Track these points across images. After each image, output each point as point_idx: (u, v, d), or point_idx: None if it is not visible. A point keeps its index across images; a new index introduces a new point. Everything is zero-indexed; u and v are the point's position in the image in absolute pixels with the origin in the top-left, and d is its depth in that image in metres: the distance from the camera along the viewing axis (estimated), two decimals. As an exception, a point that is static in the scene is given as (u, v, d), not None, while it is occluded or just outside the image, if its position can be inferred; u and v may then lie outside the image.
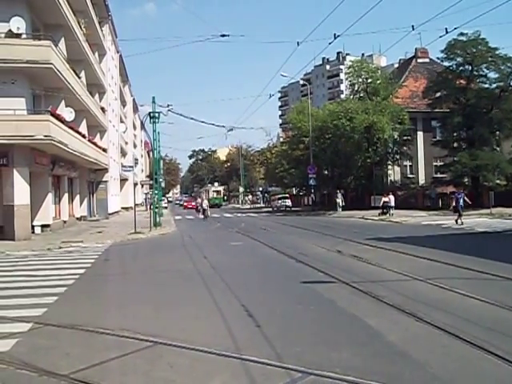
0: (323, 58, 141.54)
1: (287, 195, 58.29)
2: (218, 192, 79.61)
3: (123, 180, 53.90)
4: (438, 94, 39.25)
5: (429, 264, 12.28)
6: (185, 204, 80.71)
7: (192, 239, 22.25)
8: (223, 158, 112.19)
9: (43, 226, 25.42)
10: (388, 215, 32.37)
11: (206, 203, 42.61)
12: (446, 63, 39.37)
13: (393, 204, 33.59)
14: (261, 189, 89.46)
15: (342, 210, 38.95)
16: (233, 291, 9.55)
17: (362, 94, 44.67)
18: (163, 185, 45.21)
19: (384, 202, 33.87)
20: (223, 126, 61.77)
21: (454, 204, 25.37)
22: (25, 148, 22.31)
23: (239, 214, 47.04)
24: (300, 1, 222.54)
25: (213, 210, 61.59)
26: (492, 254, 13.19)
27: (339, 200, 39.82)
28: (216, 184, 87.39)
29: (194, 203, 67.39)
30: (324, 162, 45.66)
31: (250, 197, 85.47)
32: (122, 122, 56.08)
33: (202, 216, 40.37)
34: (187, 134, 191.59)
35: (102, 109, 39.25)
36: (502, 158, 36.67)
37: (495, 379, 5.04)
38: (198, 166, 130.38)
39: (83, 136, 31.01)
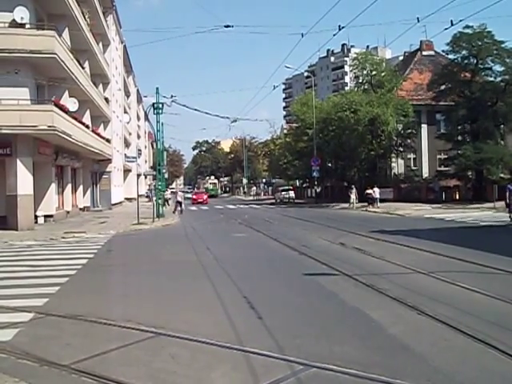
0: (328, 50, 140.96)
1: (291, 187, 58.15)
2: (214, 184, 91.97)
3: (127, 171, 53.94)
4: (443, 87, 38.98)
5: (431, 257, 12.25)
6: (194, 197, 59.00)
7: (195, 230, 22.25)
8: (227, 149, 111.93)
9: (46, 217, 25.46)
10: (371, 206, 32.98)
11: (180, 196, 37.70)
12: (451, 56, 39.14)
13: (378, 196, 34.14)
14: (264, 180, 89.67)
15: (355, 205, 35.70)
16: (235, 283, 9.55)
17: (366, 87, 44.44)
18: (166, 176, 45.15)
19: (367, 194, 34.19)
20: (227, 118, 61.46)
21: (508, 199, 22.44)
22: (28, 138, 22.30)
23: (242, 206, 46.98)
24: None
25: (212, 199, 63.04)
26: (495, 248, 13.12)
27: (353, 196, 35.87)
28: (212, 177, 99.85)
29: (205, 196, 58.52)
30: (328, 154, 45.46)
31: (254, 188, 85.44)
32: (125, 112, 56.04)
33: (175, 211, 34.49)
34: (191, 125, 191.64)
35: (106, 99, 39.17)
36: (507, 152, 36.47)
37: (497, 373, 5.01)
38: (202, 158, 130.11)
39: (87, 126, 30.97)
